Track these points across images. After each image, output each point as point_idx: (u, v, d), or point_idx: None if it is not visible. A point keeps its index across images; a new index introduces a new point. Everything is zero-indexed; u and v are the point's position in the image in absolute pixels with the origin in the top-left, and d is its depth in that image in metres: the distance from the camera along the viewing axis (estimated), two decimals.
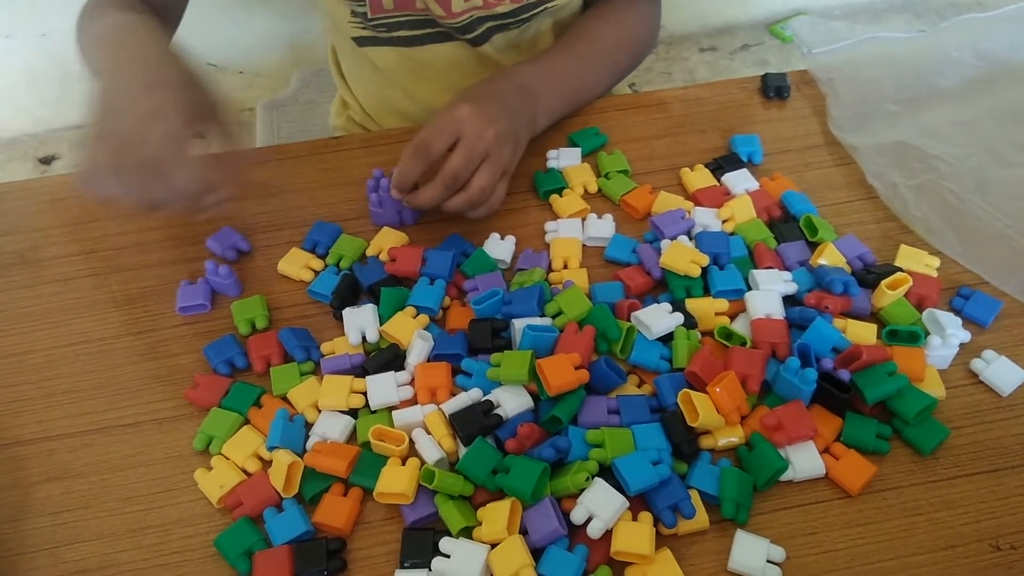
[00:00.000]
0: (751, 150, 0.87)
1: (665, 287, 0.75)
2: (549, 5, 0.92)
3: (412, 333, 0.71)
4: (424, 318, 0.73)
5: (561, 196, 0.84)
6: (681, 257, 0.73)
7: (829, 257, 0.75)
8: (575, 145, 0.89)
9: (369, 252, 0.80)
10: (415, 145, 0.75)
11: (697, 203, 0.82)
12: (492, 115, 0.76)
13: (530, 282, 0.74)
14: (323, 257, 0.80)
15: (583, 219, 0.82)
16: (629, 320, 0.71)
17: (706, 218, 0.80)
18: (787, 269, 0.76)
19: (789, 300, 0.73)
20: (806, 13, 2.14)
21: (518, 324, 0.69)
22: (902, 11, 2.18)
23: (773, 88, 0.94)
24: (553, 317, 0.70)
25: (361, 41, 0.96)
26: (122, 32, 0.75)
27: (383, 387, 0.68)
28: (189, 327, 0.76)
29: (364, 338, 0.72)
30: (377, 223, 0.83)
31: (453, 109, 0.76)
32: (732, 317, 0.73)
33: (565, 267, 0.78)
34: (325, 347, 0.73)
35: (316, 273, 0.79)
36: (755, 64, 1.81)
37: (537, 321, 0.70)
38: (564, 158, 0.87)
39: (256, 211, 0.85)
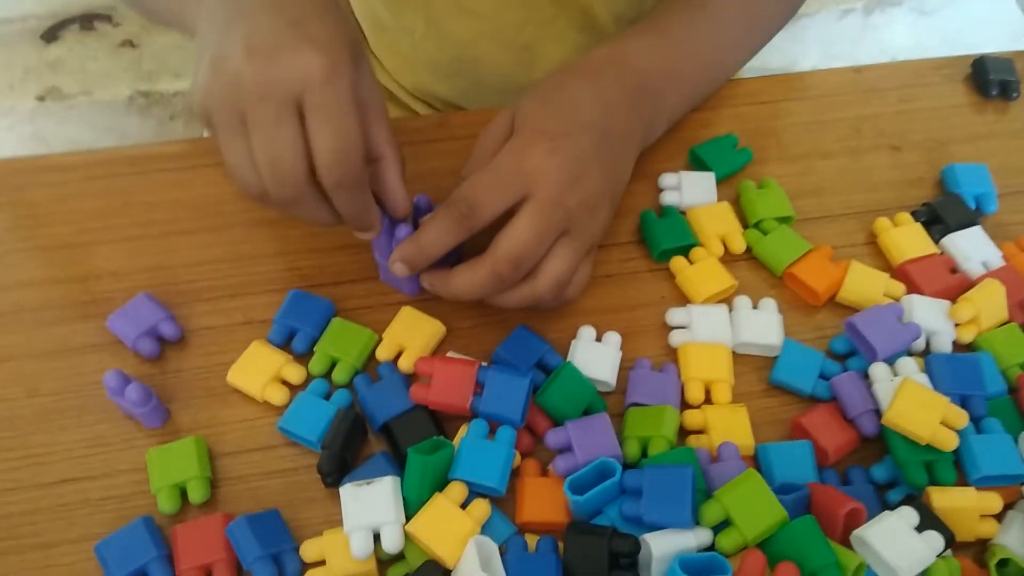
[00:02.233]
0: (981, 191, 0.56)
1: (881, 446, 0.45)
2: None
3: (463, 543, 0.40)
4: (483, 505, 0.42)
5: (690, 260, 0.52)
6: (925, 416, 0.43)
7: None
8: (703, 166, 0.57)
9: (382, 354, 0.48)
10: (454, 203, 0.44)
11: (910, 285, 0.51)
12: (581, 165, 0.46)
13: (659, 438, 0.44)
14: (304, 357, 0.48)
15: (728, 305, 0.51)
16: (845, 538, 0.41)
17: (930, 317, 0.49)
18: None
19: None
20: None
21: (657, 547, 0.39)
22: None
23: (995, 83, 0.61)
24: (715, 530, 0.40)
25: None
26: None
27: None
28: (74, 487, 0.44)
29: (377, 538, 0.41)
30: (389, 282, 0.51)
31: (523, 151, 0.45)
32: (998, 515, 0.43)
33: (707, 400, 0.47)
34: (308, 549, 0.42)
35: (292, 391, 0.47)
36: None
37: (689, 540, 0.40)
38: (689, 189, 0.55)
39: (193, 260, 0.52)
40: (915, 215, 0.54)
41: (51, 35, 1.46)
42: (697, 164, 0.57)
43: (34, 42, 1.44)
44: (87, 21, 1.48)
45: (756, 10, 0.59)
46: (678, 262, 0.52)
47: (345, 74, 0.39)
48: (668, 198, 0.55)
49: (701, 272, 0.51)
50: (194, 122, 1.19)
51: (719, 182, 0.56)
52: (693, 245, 0.53)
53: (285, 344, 0.49)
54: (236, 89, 0.38)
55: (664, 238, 0.52)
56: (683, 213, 0.54)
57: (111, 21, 1.46)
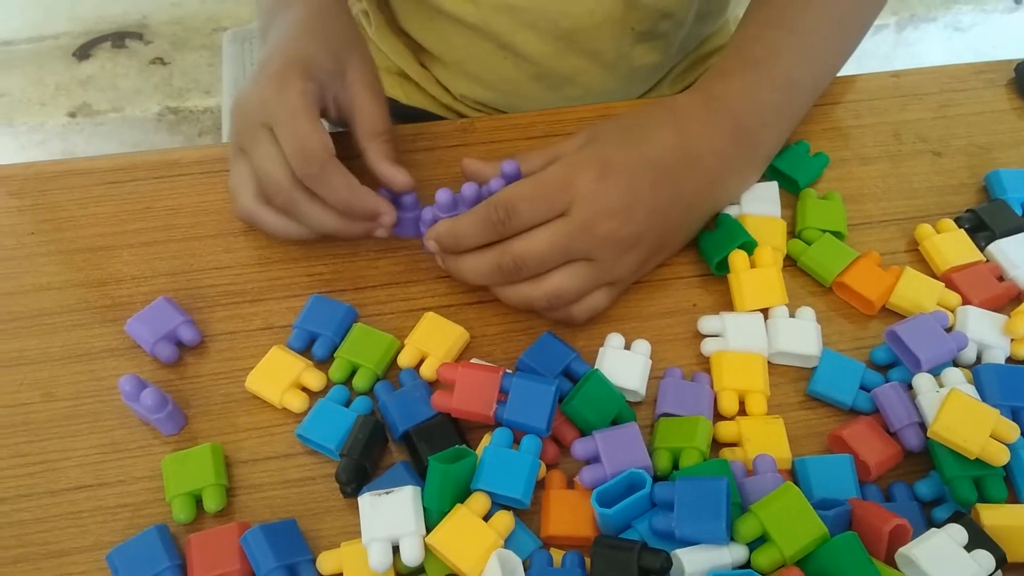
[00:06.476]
0: None
1: (926, 461, 0.43)
2: None
3: (485, 556, 0.38)
4: (506, 517, 0.40)
5: (753, 263, 0.50)
6: (974, 429, 0.40)
7: None
8: (783, 177, 0.54)
9: (404, 360, 0.47)
10: (494, 206, 0.44)
11: (960, 295, 0.49)
12: (628, 200, 0.46)
13: (691, 449, 0.42)
14: (324, 363, 0.47)
15: (764, 313, 0.49)
16: (890, 557, 0.38)
17: (984, 331, 0.47)
18: None
19: None
20: None
21: (689, 563, 0.37)
22: None
23: None
24: (751, 546, 0.38)
25: None
26: None
27: None
28: (87, 494, 0.43)
29: (396, 550, 0.39)
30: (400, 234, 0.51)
31: (573, 170, 0.45)
32: None
33: (741, 411, 0.45)
34: (325, 561, 0.41)
35: (312, 397, 0.46)
36: None
37: (724, 556, 0.38)
38: (750, 198, 0.53)
39: (213, 264, 0.51)
40: (959, 221, 0.52)
41: (83, 53, 1.49)
42: (775, 176, 0.54)
43: (66, 59, 1.46)
44: (119, 39, 1.50)
45: (846, 17, 0.56)
46: (739, 259, 0.49)
47: (292, 88, 0.46)
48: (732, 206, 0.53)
49: (753, 283, 0.48)
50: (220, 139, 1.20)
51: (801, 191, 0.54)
52: (751, 242, 0.50)
53: (305, 350, 0.47)
54: (233, 128, 0.50)
55: (723, 244, 0.50)
56: (740, 223, 0.52)
57: (142, 39, 1.47)
